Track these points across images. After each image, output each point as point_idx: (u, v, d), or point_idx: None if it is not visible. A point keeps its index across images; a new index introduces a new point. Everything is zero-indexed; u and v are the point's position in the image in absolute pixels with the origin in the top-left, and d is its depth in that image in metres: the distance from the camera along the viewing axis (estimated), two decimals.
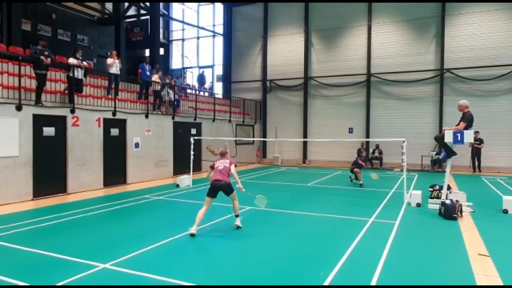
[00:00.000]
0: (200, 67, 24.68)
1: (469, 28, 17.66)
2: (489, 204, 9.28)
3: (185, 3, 24.46)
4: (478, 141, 14.83)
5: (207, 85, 22.91)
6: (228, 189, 6.79)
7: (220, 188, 6.74)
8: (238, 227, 6.93)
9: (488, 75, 17.23)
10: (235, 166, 7.01)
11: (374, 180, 13.11)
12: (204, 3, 24.36)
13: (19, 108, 9.47)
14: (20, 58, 10.16)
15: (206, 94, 21.31)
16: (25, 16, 16.08)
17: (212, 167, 7.07)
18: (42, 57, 10.17)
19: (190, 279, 4.59)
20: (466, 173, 14.81)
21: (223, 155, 7.12)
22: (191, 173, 12.81)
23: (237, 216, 7.04)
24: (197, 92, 20.15)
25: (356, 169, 12.85)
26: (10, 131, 9.27)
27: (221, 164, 6.91)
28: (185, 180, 12.35)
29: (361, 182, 12.62)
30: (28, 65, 10.87)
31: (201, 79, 22.04)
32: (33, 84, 10.50)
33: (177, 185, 12.12)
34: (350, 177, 13.52)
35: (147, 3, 19.11)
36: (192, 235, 6.33)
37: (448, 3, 17.92)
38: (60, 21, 18.39)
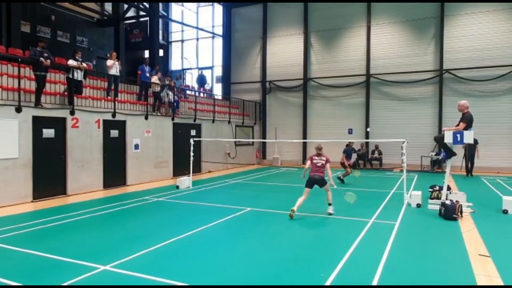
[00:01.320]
0: (199, 68, 24.69)
1: (468, 29, 17.69)
2: (489, 205, 9.28)
3: (184, 5, 24.48)
4: (473, 141, 14.46)
5: (207, 86, 22.90)
6: (324, 182, 8.07)
7: (316, 181, 7.97)
8: (330, 214, 8.07)
9: (487, 75, 17.25)
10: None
11: (373, 181, 13.11)
12: (203, 4, 24.37)
13: (18, 109, 9.47)
14: (19, 59, 10.15)
15: (206, 95, 21.28)
16: (24, 17, 16.09)
17: (310, 160, 8.28)
18: (41, 58, 10.17)
19: (191, 280, 4.59)
20: (465, 174, 14.79)
21: (319, 150, 8.26)
22: (191, 174, 12.80)
23: (329, 204, 8.24)
24: (197, 93, 20.17)
25: (347, 163, 13.50)
26: (10, 133, 9.26)
27: (319, 161, 8.10)
28: (185, 181, 12.35)
29: (343, 177, 13.28)
30: (28, 66, 10.88)
31: (201, 80, 22.03)
32: (33, 85, 10.49)
33: (177, 187, 12.11)
34: (340, 177, 13.52)
35: (146, 5, 19.11)
36: (292, 215, 7.72)
37: (447, 4, 17.96)
38: (60, 22, 18.39)
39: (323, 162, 8.09)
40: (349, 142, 14.40)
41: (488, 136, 16.35)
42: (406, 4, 18.71)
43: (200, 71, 23.78)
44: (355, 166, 18.71)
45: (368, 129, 12.23)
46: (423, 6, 18.42)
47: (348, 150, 13.90)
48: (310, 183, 8.02)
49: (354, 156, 13.35)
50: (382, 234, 6.68)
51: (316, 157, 8.18)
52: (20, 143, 9.49)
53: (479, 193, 11.15)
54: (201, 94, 20.91)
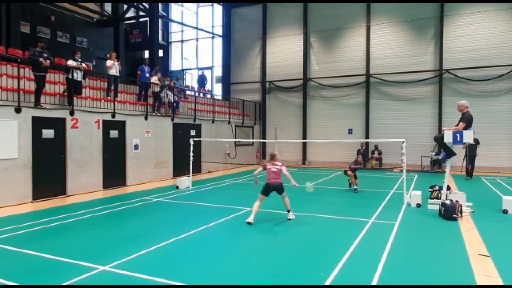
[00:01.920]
0: (199, 69, 24.69)
1: (467, 29, 17.70)
2: (489, 204, 9.28)
3: (184, 5, 24.49)
4: (474, 141, 14.11)
5: (207, 87, 22.90)
6: (282, 188, 7.81)
7: (274, 188, 7.72)
8: (290, 219, 7.76)
9: (487, 75, 17.25)
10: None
11: (373, 181, 13.10)
12: (203, 4, 24.37)
13: (18, 110, 9.46)
14: (19, 60, 10.15)
15: (206, 95, 21.28)
16: (24, 18, 16.09)
17: (264, 168, 7.99)
18: (41, 59, 10.17)
19: (190, 280, 4.59)
20: (463, 173, 14.78)
21: (273, 157, 8.04)
22: (190, 174, 12.80)
23: (288, 211, 7.90)
24: (197, 93, 20.17)
25: (349, 172, 12.07)
26: (10, 133, 9.26)
27: (274, 167, 7.84)
28: (185, 181, 12.34)
29: (355, 187, 11.93)
30: (27, 67, 10.88)
31: (201, 80, 22.02)
32: (32, 86, 10.49)
33: (177, 187, 12.11)
34: (349, 181, 12.52)
35: (146, 5, 19.11)
36: (249, 223, 7.28)
37: (446, 4, 17.96)
38: (59, 23, 18.39)
39: (279, 167, 7.87)
40: (358, 157, 13.62)
41: (488, 136, 16.34)
42: (405, 4, 18.71)
43: (200, 71, 23.78)
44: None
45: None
46: (422, 6, 18.42)
47: (353, 165, 12.25)
48: (267, 190, 7.74)
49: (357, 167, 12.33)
50: (382, 234, 6.68)
51: (270, 165, 7.91)
52: (20, 143, 9.49)
53: (479, 193, 11.15)
54: (201, 95, 20.91)
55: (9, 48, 13.10)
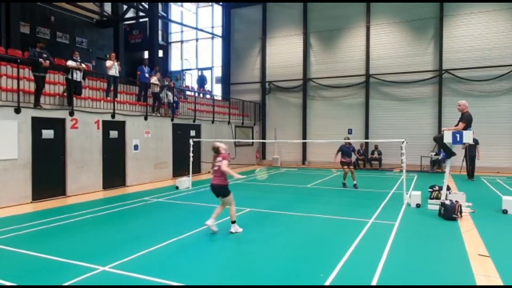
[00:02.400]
0: (199, 69, 24.69)
1: (467, 29, 17.71)
2: (489, 205, 9.28)
3: (184, 5, 24.49)
4: (474, 141, 13.94)
5: (207, 87, 22.92)
6: (223, 192, 6.60)
7: (214, 191, 6.69)
8: (232, 233, 6.64)
9: (486, 75, 17.26)
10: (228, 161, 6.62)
11: (373, 181, 13.08)
12: (202, 5, 24.37)
13: (18, 110, 9.46)
14: (18, 60, 10.15)
15: (205, 95, 21.28)
16: (23, 18, 16.09)
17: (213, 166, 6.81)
18: (40, 59, 10.17)
19: (190, 281, 4.59)
20: (464, 173, 14.78)
21: (215, 151, 6.74)
22: (190, 175, 12.79)
23: (233, 222, 6.72)
24: (196, 94, 20.17)
25: (346, 168, 12.05)
26: (9, 134, 9.26)
27: (216, 164, 6.67)
28: (185, 182, 12.34)
29: (354, 182, 12.02)
30: (27, 67, 10.88)
31: (201, 80, 22.04)
32: (32, 86, 10.49)
33: (177, 187, 12.10)
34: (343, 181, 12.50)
35: (146, 5, 19.11)
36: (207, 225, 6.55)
37: (446, 4, 17.97)
38: (59, 23, 18.39)
39: (220, 164, 6.51)
40: (347, 138, 13.18)
41: (488, 136, 16.34)
42: (405, 5, 18.72)
43: (199, 72, 23.80)
44: (355, 166, 18.73)
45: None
46: (422, 7, 18.43)
47: (345, 148, 12.24)
48: (214, 193, 6.70)
49: (354, 156, 12.09)
50: (382, 234, 6.68)
51: (214, 162, 6.73)
52: (20, 144, 9.49)
53: (478, 193, 11.15)
54: (201, 95, 20.91)
55: (9, 48, 13.11)
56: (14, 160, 9.37)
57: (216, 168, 6.60)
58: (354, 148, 12.97)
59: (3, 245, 6.03)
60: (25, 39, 15.40)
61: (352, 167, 12.45)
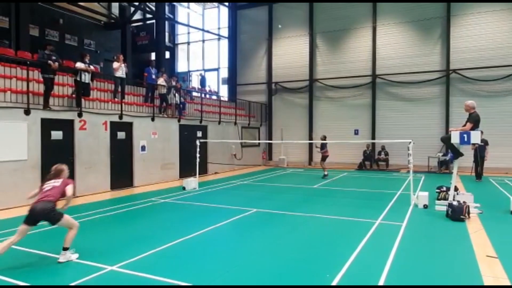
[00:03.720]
0: (205, 70, 24.81)
1: (474, 29, 17.57)
2: (497, 205, 9.20)
3: (190, 7, 24.62)
4: (483, 142, 13.29)
5: (207, 88, 23.11)
6: (50, 216, 5.14)
7: (38, 216, 5.13)
8: (60, 262, 5.19)
9: (494, 75, 17.10)
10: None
11: (380, 182, 13.03)
12: (209, 6, 24.47)
13: (27, 112, 9.60)
14: (28, 63, 10.30)
15: (213, 97, 21.38)
16: (33, 21, 16.31)
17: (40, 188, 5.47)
18: (49, 61, 10.30)
19: (197, 280, 4.62)
20: (473, 175, 14.65)
21: (56, 175, 5.54)
22: (197, 175, 12.85)
23: (64, 249, 5.26)
24: (203, 94, 20.26)
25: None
26: (19, 135, 9.39)
27: (49, 185, 5.37)
28: (191, 182, 12.40)
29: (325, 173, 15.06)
30: (36, 69, 11.03)
31: (202, 81, 22.29)
32: (41, 88, 10.63)
33: (183, 188, 12.16)
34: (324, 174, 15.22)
35: (153, 7, 19.25)
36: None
37: (453, 4, 17.85)
38: (67, 26, 18.62)
39: (57, 185, 5.36)
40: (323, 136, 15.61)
41: (496, 136, 16.16)
42: (411, 5, 18.63)
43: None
44: (361, 167, 18.69)
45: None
46: (429, 6, 18.32)
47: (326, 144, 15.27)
48: (30, 218, 5.14)
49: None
50: (389, 235, 6.65)
51: (47, 182, 5.46)
52: (29, 145, 9.62)
53: (486, 194, 11.05)
54: (206, 96, 21.00)
55: (19, 51, 13.31)
56: (24, 161, 9.50)
57: (49, 188, 5.31)
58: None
59: (13, 245, 6.10)
60: (34, 41, 15.61)
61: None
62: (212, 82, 24.44)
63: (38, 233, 6.93)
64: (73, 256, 5.35)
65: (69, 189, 5.44)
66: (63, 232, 7.03)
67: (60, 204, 5.34)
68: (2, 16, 15.44)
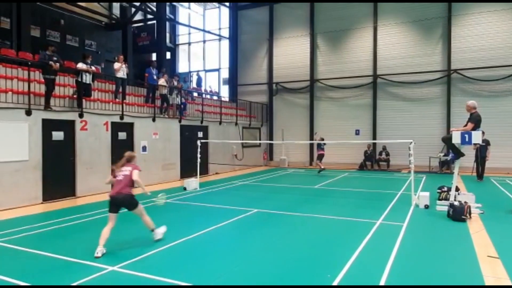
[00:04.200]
0: (206, 71, 24.84)
1: (476, 29, 17.54)
2: (498, 206, 9.18)
3: (191, 8, 24.64)
4: (484, 142, 13.72)
5: (208, 88, 23.17)
6: (129, 203, 5.97)
7: (119, 203, 5.94)
8: (158, 240, 6.21)
9: (496, 75, 17.08)
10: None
11: (381, 183, 13.04)
12: (210, 7, 24.49)
13: (28, 112, 9.61)
14: (29, 63, 10.32)
15: (214, 97, 21.39)
16: (34, 22, 16.35)
17: (115, 176, 6.16)
18: (51, 62, 10.32)
19: (198, 280, 4.62)
20: (474, 175, 14.62)
21: (129, 161, 6.25)
22: (198, 176, 12.86)
23: (152, 230, 6.24)
24: (203, 95, 20.27)
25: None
26: (20, 136, 9.41)
27: (121, 173, 6.06)
28: (192, 183, 12.40)
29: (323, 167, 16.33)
30: (37, 70, 11.05)
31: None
32: (42, 89, 10.65)
33: (184, 188, 12.17)
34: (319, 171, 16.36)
35: (154, 8, 19.28)
36: (98, 257, 5.47)
37: (454, 4, 17.83)
38: (69, 26, 18.65)
39: (128, 173, 6.05)
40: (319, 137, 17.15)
41: (498, 136, 16.14)
42: (412, 5, 18.61)
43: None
44: (362, 167, 18.67)
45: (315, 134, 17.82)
46: (430, 6, 18.31)
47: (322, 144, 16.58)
48: (113, 206, 5.98)
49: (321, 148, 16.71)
50: (390, 235, 6.65)
51: (120, 170, 6.20)
52: (30, 145, 9.64)
53: (488, 194, 11.03)
54: (207, 96, 21.02)
55: (20, 51, 13.34)
56: (25, 162, 9.51)
57: (121, 178, 6.01)
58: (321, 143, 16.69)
59: (14, 245, 6.13)
60: (35, 42, 15.65)
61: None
62: (213, 83, 24.47)
63: (39, 234, 6.94)
64: (162, 229, 6.33)
65: (134, 175, 6.08)
66: (63, 233, 7.05)
67: (137, 191, 6.09)
68: (4, 17, 15.47)
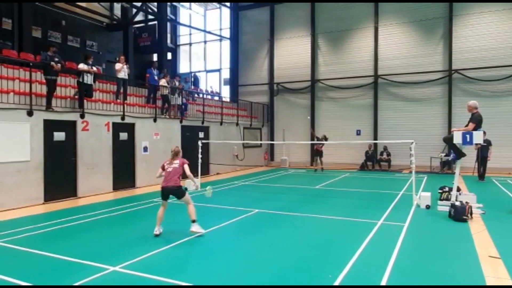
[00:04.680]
0: (207, 71, 24.86)
1: (477, 29, 17.53)
2: (500, 206, 9.17)
3: (192, 8, 24.66)
4: (486, 142, 13.14)
5: (209, 88, 23.21)
6: (178, 193, 6.73)
7: (169, 192, 6.75)
8: (193, 233, 6.56)
9: (497, 75, 17.06)
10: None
11: (382, 183, 13.03)
12: (211, 7, 24.50)
13: (30, 113, 9.64)
14: (31, 64, 10.35)
15: (215, 98, 21.40)
16: (35, 23, 16.38)
17: (163, 168, 7.05)
18: (52, 63, 10.35)
19: (199, 281, 4.63)
20: (476, 175, 14.60)
21: (176, 154, 7.09)
22: (199, 176, 12.86)
23: (193, 221, 6.62)
24: (205, 95, 20.28)
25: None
26: (22, 136, 9.43)
27: (170, 166, 6.90)
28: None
29: (321, 167, 16.95)
30: (39, 71, 11.08)
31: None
32: (44, 89, 10.68)
33: (185, 189, 12.09)
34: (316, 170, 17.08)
35: (155, 9, 19.31)
36: (156, 235, 6.50)
37: (455, 4, 17.82)
38: (70, 27, 18.68)
39: (176, 166, 6.90)
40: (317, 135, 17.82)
41: (499, 136, 16.11)
42: (413, 5, 18.61)
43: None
44: (364, 167, 18.68)
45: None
46: (431, 6, 18.30)
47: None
48: (164, 195, 6.86)
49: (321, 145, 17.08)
50: (391, 235, 6.64)
51: (168, 162, 7.05)
52: (32, 146, 9.66)
53: (489, 194, 11.02)
54: (209, 96, 21.03)
55: (21, 52, 13.37)
56: (27, 162, 9.54)
57: (171, 170, 6.85)
58: (318, 138, 17.33)
59: (16, 245, 6.15)
60: (37, 43, 15.68)
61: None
62: (214, 83, 24.49)
63: (40, 234, 6.96)
64: (200, 229, 6.61)
65: (186, 169, 6.92)
66: (65, 233, 7.07)
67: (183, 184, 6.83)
68: (5, 18, 15.51)
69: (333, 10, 20.47)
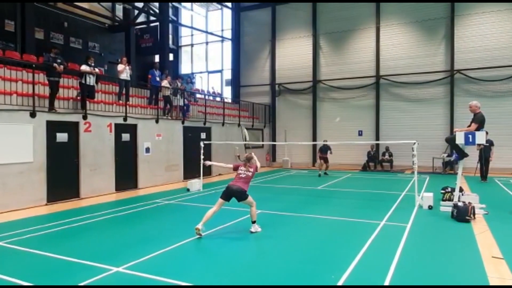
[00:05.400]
0: (209, 72, 24.89)
1: (479, 29, 17.50)
2: (502, 206, 9.15)
3: (194, 9, 24.70)
4: (488, 142, 13.26)
5: (210, 89, 23.22)
6: (241, 195, 6.90)
7: (233, 192, 6.88)
8: (252, 232, 6.96)
9: (499, 75, 17.02)
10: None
11: (384, 183, 12.99)
12: (212, 8, 24.54)
13: (33, 114, 9.67)
14: (33, 66, 10.38)
15: (217, 98, 21.42)
16: (38, 24, 16.44)
17: (235, 169, 7.30)
18: (55, 64, 10.38)
19: (202, 281, 4.63)
20: (478, 175, 14.56)
21: (248, 161, 7.23)
22: (201, 177, 12.88)
23: (253, 222, 7.04)
24: (206, 96, 20.29)
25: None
26: (25, 138, 9.47)
27: (245, 172, 7.06)
28: (196, 184, 12.42)
29: (324, 171, 16.58)
30: (42, 72, 11.11)
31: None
32: (47, 91, 10.71)
33: (188, 189, 12.19)
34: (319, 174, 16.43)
35: (157, 10, 19.34)
36: (197, 229, 6.53)
37: (457, 4, 17.79)
38: (72, 29, 18.73)
39: (250, 174, 7.04)
40: (324, 141, 17.03)
41: (501, 137, 16.07)
42: (415, 5, 18.59)
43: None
44: (366, 168, 18.68)
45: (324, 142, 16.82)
46: (433, 7, 18.28)
47: (323, 147, 16.69)
48: (226, 195, 6.90)
49: (329, 152, 16.60)
50: (394, 236, 6.64)
51: (242, 168, 7.14)
52: (35, 147, 9.69)
53: (492, 195, 10.99)
54: (210, 97, 21.05)
55: (24, 54, 13.42)
56: (30, 163, 9.57)
57: (244, 176, 7.02)
58: (329, 147, 16.62)
59: (19, 246, 6.17)
60: (39, 44, 15.73)
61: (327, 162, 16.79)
62: (215, 84, 24.50)
63: (43, 235, 6.98)
64: (259, 228, 6.96)
65: (258, 166, 7.27)
66: (68, 234, 7.09)
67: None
68: (8, 20, 15.57)
69: (334, 11, 20.47)
